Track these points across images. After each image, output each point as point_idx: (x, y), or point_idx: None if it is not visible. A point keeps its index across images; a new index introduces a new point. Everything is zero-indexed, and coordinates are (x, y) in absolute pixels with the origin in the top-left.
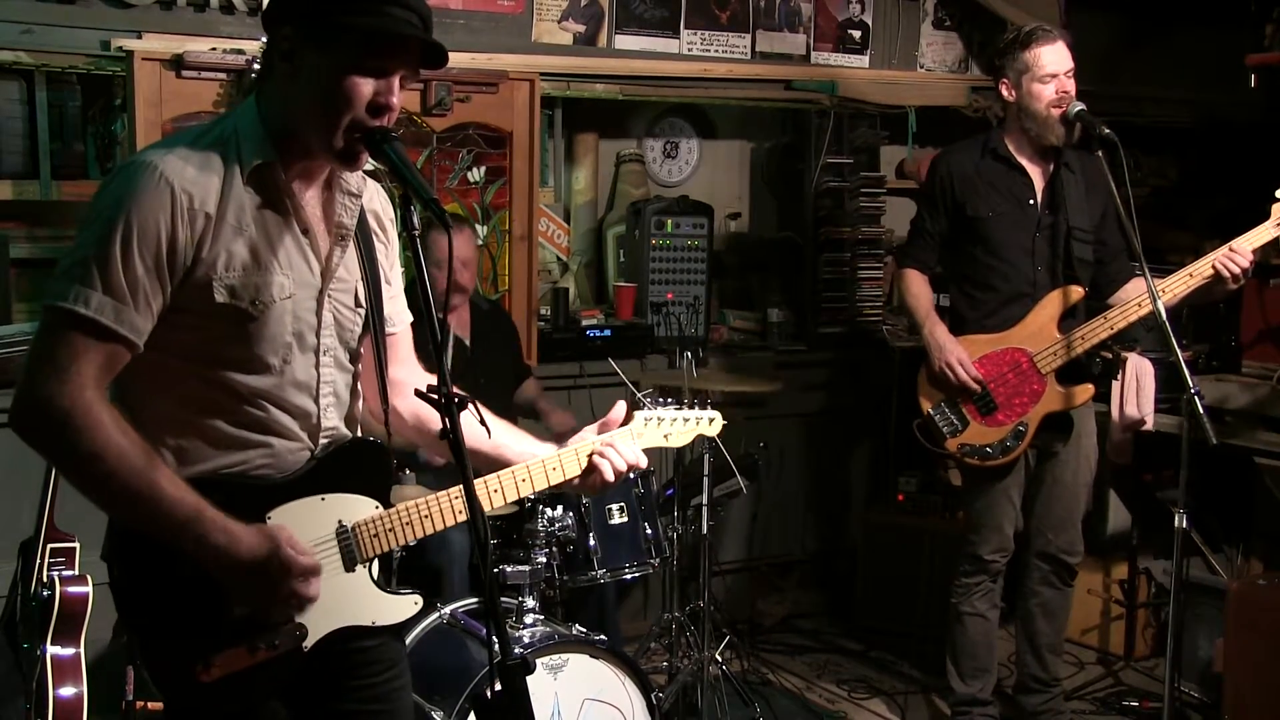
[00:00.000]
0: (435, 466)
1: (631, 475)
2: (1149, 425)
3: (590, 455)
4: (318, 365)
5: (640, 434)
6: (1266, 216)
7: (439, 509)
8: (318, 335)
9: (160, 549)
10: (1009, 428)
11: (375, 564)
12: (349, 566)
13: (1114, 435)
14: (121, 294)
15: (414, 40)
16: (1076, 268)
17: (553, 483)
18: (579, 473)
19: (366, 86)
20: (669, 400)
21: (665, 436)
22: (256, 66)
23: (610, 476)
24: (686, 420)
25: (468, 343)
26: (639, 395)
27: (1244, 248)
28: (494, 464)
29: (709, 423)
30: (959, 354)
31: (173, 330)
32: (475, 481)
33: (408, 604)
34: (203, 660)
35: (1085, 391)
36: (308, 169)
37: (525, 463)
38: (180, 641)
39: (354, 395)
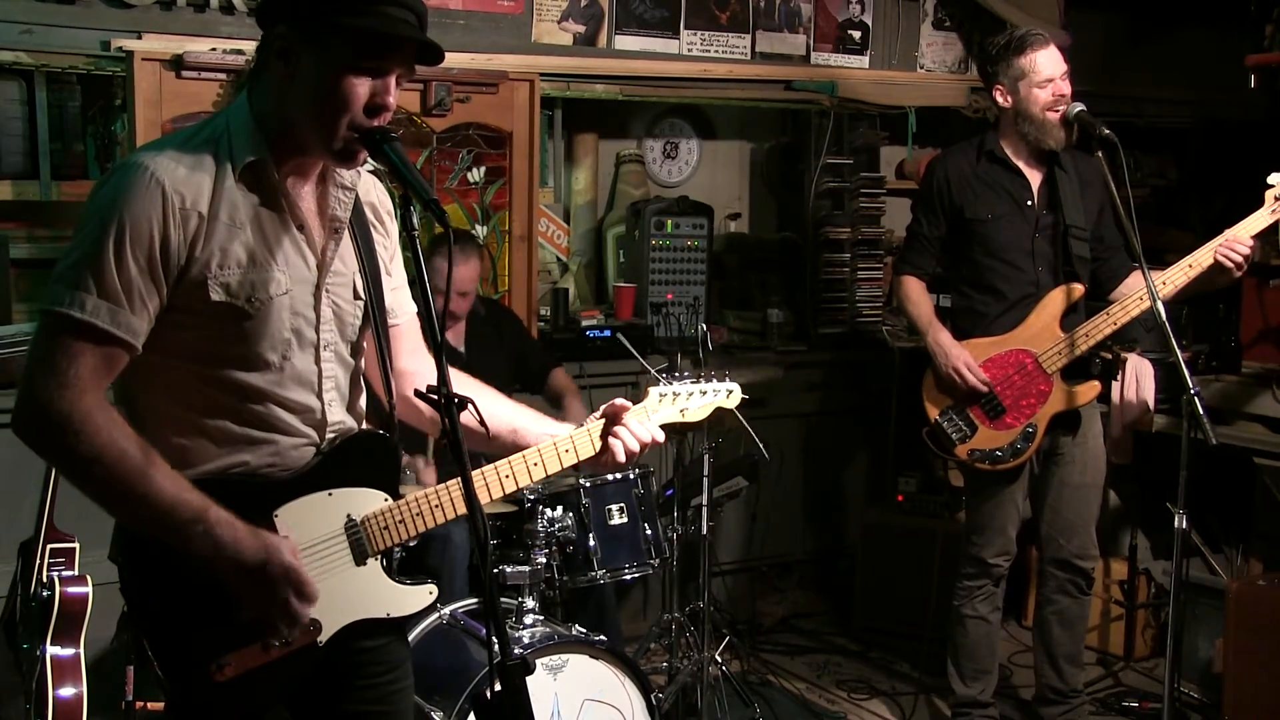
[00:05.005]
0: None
1: (635, 470)
2: (1151, 407)
3: (604, 433)
4: (318, 360)
5: (655, 410)
6: None
7: (449, 499)
8: (317, 330)
9: (169, 549)
10: (1018, 430)
11: (386, 556)
12: (360, 560)
13: (1114, 433)
14: (116, 296)
15: (410, 39)
16: (1076, 265)
17: (566, 464)
18: (593, 453)
19: (364, 87)
20: (685, 374)
21: (682, 411)
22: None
23: (622, 457)
24: (704, 393)
25: (461, 350)
26: (654, 371)
27: (1242, 235)
28: (515, 448)
29: (727, 395)
30: (964, 358)
31: (171, 330)
32: (487, 469)
33: (422, 594)
34: (217, 659)
35: (1092, 389)
36: (301, 165)
37: (537, 446)
38: (193, 641)
39: (357, 389)
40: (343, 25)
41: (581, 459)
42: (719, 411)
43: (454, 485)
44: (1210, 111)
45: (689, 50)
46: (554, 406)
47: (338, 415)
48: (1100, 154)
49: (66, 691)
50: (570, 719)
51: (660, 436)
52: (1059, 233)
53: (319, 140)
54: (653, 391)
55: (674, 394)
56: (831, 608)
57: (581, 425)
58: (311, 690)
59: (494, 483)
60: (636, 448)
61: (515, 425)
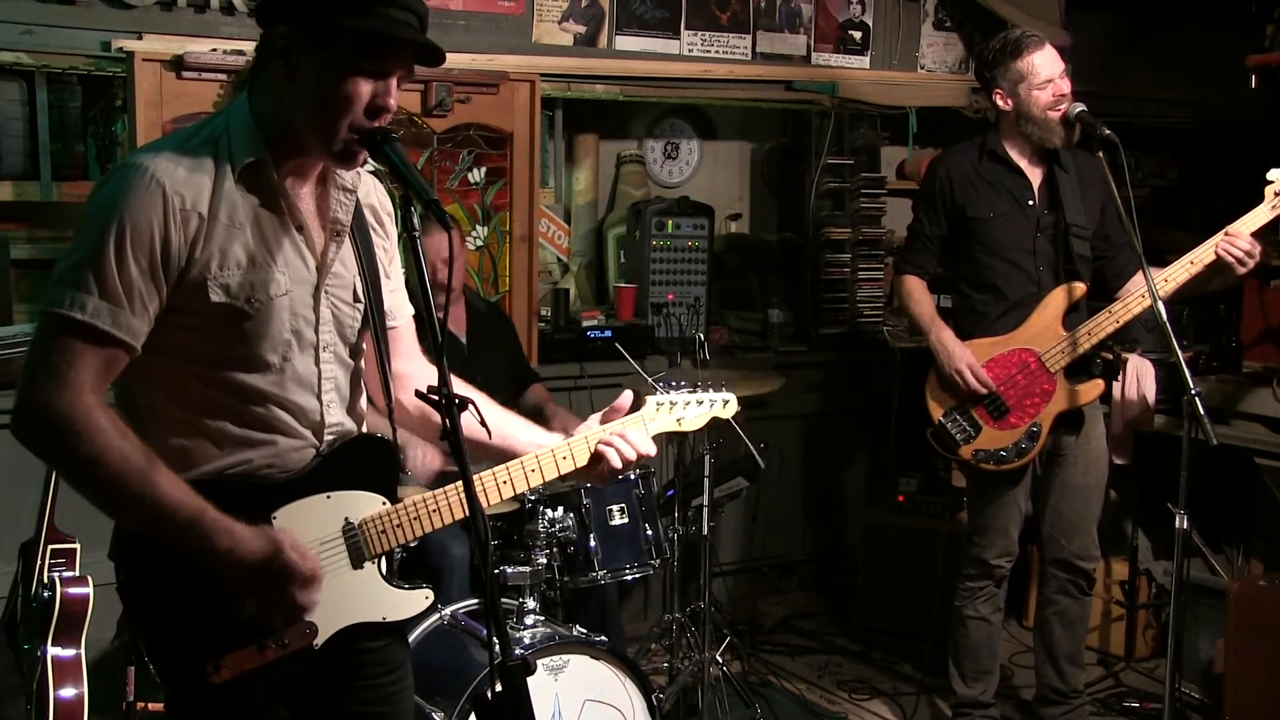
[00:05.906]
0: (421, 478)
1: (635, 471)
2: (1151, 400)
3: (597, 443)
4: (318, 361)
5: (652, 419)
6: None
7: (446, 504)
8: (316, 331)
9: (166, 550)
10: (1022, 429)
11: (384, 560)
12: (357, 564)
13: (1115, 432)
14: (117, 297)
15: (411, 41)
16: (1077, 264)
17: (563, 471)
18: (587, 461)
19: (365, 88)
20: (682, 384)
21: (678, 421)
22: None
23: (618, 464)
24: (700, 403)
25: (464, 341)
26: (651, 380)
27: (1242, 230)
28: (502, 456)
29: (723, 405)
30: (967, 358)
31: (171, 331)
32: (484, 474)
33: (419, 598)
34: (213, 661)
35: (1096, 387)
36: (301, 166)
37: (534, 453)
38: (189, 642)
39: (356, 390)
40: (343, 26)
41: (579, 466)
42: (715, 420)
43: (451, 490)
44: (1210, 111)
45: (689, 51)
46: (531, 418)
47: (336, 417)
48: (1101, 154)
49: (67, 692)
50: (571, 719)
51: (653, 449)
52: (1060, 232)
53: (319, 141)
54: (650, 400)
55: (671, 403)
56: (832, 608)
57: (574, 432)
58: (312, 691)
59: (491, 489)
60: (633, 456)
61: (505, 433)
